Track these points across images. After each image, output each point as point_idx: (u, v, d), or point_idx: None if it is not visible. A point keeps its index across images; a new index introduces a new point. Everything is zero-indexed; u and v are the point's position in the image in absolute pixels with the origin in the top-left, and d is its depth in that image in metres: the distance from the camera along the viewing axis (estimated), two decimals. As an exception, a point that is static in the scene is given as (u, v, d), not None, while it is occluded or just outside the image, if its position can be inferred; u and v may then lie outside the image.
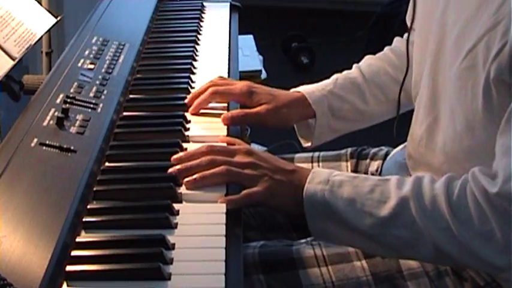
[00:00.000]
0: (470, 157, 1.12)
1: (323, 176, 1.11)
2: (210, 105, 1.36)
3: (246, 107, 1.38)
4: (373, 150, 1.52)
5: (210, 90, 1.35)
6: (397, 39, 1.52)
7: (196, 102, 1.34)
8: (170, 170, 1.11)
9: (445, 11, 1.18)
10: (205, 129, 1.29)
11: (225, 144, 1.20)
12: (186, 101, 1.36)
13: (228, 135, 1.27)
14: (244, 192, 1.09)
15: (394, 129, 1.39)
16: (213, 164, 1.11)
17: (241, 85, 1.38)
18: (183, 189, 1.09)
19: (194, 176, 1.09)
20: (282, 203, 1.12)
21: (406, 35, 1.46)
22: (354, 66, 1.48)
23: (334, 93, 1.42)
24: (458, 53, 1.11)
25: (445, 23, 1.18)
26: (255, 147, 2.78)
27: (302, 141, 1.48)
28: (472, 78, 1.08)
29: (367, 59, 1.50)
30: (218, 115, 1.33)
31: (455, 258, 1.06)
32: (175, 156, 1.14)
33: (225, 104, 1.38)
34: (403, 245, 1.07)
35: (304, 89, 1.42)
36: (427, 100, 1.23)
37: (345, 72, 1.47)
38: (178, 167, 1.11)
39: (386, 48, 1.51)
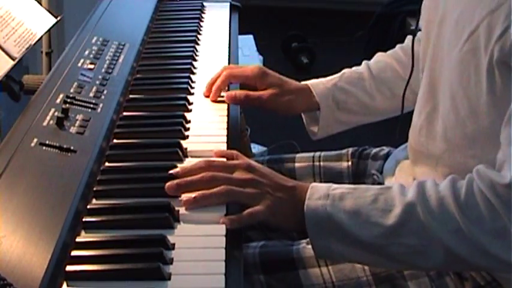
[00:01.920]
0: (473, 143, 1.12)
1: (322, 190, 1.08)
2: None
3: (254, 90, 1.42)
4: (374, 150, 1.52)
5: (225, 73, 1.40)
6: (409, 37, 1.52)
7: (214, 87, 1.39)
8: (168, 184, 1.07)
9: (446, 1, 1.18)
10: (204, 128, 1.29)
11: (224, 159, 1.17)
12: (204, 92, 1.41)
13: (227, 134, 1.27)
14: (247, 211, 1.05)
15: (397, 128, 1.39)
16: (214, 181, 1.07)
17: (253, 67, 1.43)
18: (181, 209, 1.04)
19: (194, 196, 1.05)
20: (284, 220, 1.09)
21: (419, 34, 1.47)
22: (363, 62, 1.51)
23: (338, 86, 1.45)
24: (459, 37, 1.11)
25: (445, 11, 1.18)
26: (255, 147, 2.78)
27: (310, 132, 1.50)
28: (475, 61, 1.08)
29: (377, 56, 1.52)
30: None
31: (467, 260, 1.03)
32: (172, 171, 1.10)
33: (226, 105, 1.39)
34: (412, 254, 1.04)
35: (311, 82, 1.47)
36: (425, 89, 1.24)
37: (354, 67, 1.50)
38: (176, 181, 1.07)
39: (397, 46, 1.52)
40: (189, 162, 1.17)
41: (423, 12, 1.32)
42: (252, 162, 1.14)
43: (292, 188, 1.10)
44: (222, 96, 1.41)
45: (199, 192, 1.06)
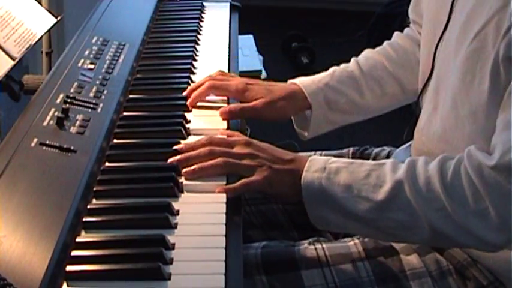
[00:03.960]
0: (471, 143, 1.12)
1: (320, 163, 1.13)
2: (211, 99, 1.38)
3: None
4: (376, 150, 1.52)
5: (207, 84, 1.37)
6: (397, 33, 1.52)
7: (193, 94, 1.37)
8: (170, 159, 1.14)
9: (453, 2, 1.19)
10: (206, 123, 1.30)
11: (224, 136, 1.22)
12: (184, 93, 1.38)
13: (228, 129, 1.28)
14: (242, 181, 1.11)
15: (407, 129, 1.39)
16: (212, 155, 1.13)
17: (236, 82, 1.39)
18: (183, 181, 1.11)
19: (193, 167, 1.12)
20: (281, 191, 1.14)
21: (406, 29, 1.48)
22: (352, 59, 1.49)
23: (330, 86, 1.42)
24: (466, 37, 1.12)
25: (453, 12, 1.19)
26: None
27: (299, 132, 1.49)
28: (481, 59, 1.09)
29: (366, 53, 1.50)
30: (218, 108, 1.35)
31: (451, 238, 1.07)
32: (175, 147, 1.17)
33: (225, 98, 1.39)
34: (400, 228, 1.09)
35: (301, 81, 1.43)
36: (431, 90, 1.24)
37: (342, 65, 1.48)
38: (178, 157, 1.14)
39: (385, 43, 1.51)
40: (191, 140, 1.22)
41: (426, 12, 1.32)
42: (251, 139, 1.18)
43: (291, 160, 1.15)
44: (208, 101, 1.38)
45: (198, 164, 1.12)
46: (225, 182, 1.11)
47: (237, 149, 1.16)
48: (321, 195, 1.11)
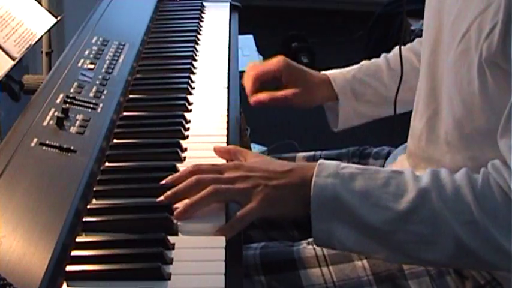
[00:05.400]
0: (471, 144, 1.12)
1: (331, 168, 1.04)
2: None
3: None
4: (375, 149, 1.52)
5: (251, 74, 1.44)
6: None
7: (249, 93, 1.44)
8: (160, 198, 1.03)
9: (443, 6, 1.19)
10: (204, 128, 1.29)
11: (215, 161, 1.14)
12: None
13: (227, 134, 1.27)
14: (237, 214, 1.01)
15: (394, 131, 1.39)
16: (200, 184, 1.03)
17: (276, 60, 1.47)
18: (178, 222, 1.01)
19: (183, 206, 1.01)
20: (285, 208, 1.05)
21: None
22: (382, 55, 1.52)
23: (356, 78, 1.47)
24: (454, 39, 1.11)
25: (442, 12, 1.19)
26: (255, 147, 2.78)
27: (331, 125, 1.52)
28: (467, 61, 1.08)
29: (396, 49, 1.48)
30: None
31: (477, 254, 1.00)
32: (162, 182, 1.06)
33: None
34: (420, 243, 1.00)
35: (331, 73, 1.48)
36: (426, 93, 1.23)
37: (373, 59, 1.52)
38: (167, 193, 1.03)
39: (416, 40, 1.52)
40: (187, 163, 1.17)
41: (424, 17, 1.32)
42: (242, 163, 1.09)
43: (289, 171, 1.05)
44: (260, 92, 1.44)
45: (187, 200, 1.02)
46: (224, 218, 1.02)
47: (227, 174, 1.05)
48: (334, 202, 1.01)
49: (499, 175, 1.00)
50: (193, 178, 1.04)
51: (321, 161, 1.06)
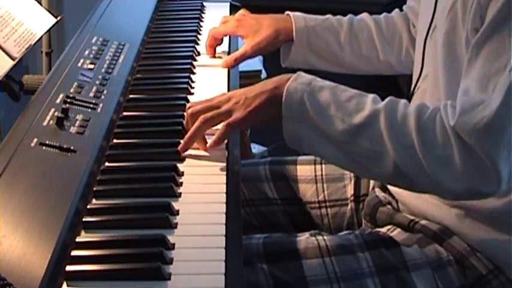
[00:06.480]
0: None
1: (307, 78, 1.14)
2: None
3: None
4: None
5: (210, 33, 1.58)
6: (396, 11, 1.61)
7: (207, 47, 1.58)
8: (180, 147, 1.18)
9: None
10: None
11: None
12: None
13: (227, 144, 1.26)
14: (222, 124, 1.14)
15: None
16: (194, 116, 1.17)
17: (231, 20, 1.58)
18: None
19: (181, 144, 1.17)
20: (264, 112, 1.14)
21: (405, 9, 1.58)
22: (349, 15, 1.60)
23: (316, 30, 1.54)
24: (443, 24, 1.16)
25: (436, 6, 1.23)
26: (255, 147, 2.78)
27: (281, 58, 1.59)
28: (457, 38, 1.13)
29: (364, 15, 1.61)
30: None
31: (411, 179, 1.08)
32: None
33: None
34: (366, 157, 1.09)
35: (295, 15, 1.57)
36: (423, 87, 1.27)
37: (339, 16, 1.60)
38: (180, 146, 1.17)
39: (383, 14, 1.60)
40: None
41: (420, 11, 1.34)
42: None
43: (269, 81, 1.16)
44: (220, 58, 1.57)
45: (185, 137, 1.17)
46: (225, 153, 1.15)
47: (216, 103, 1.18)
48: (299, 107, 1.11)
49: (445, 113, 1.06)
50: (189, 111, 1.19)
51: (299, 72, 1.17)
